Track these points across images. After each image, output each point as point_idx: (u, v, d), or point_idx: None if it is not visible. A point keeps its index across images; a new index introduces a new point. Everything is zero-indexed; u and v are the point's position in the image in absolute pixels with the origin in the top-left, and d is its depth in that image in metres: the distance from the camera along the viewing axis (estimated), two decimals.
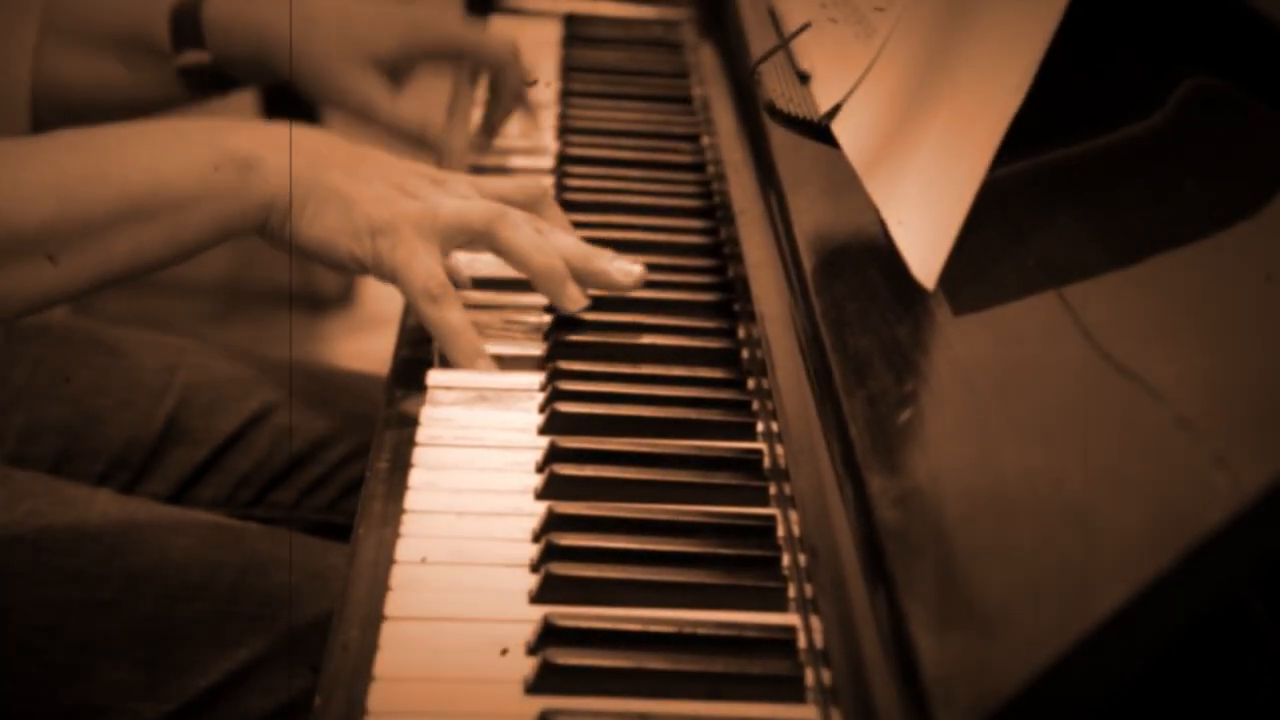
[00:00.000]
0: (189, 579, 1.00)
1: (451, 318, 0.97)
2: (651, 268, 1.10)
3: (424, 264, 0.96)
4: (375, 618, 0.76)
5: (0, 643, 0.97)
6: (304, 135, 0.98)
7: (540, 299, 1.05)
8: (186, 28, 1.20)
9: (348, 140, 1.00)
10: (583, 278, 1.01)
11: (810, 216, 0.98)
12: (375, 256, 0.96)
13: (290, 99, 1.22)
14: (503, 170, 1.27)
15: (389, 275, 0.97)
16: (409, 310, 1.05)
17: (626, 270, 1.01)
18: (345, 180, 0.96)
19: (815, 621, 0.76)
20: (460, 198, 0.99)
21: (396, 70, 1.23)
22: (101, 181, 0.91)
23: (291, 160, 0.94)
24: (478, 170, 1.24)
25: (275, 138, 0.96)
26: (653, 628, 0.76)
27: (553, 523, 0.83)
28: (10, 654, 0.97)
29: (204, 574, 1.00)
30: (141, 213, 0.92)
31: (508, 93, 1.25)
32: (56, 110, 1.19)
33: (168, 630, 0.98)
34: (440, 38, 1.24)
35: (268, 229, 0.96)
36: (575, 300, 1.01)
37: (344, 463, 1.24)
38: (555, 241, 1.00)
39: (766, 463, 0.89)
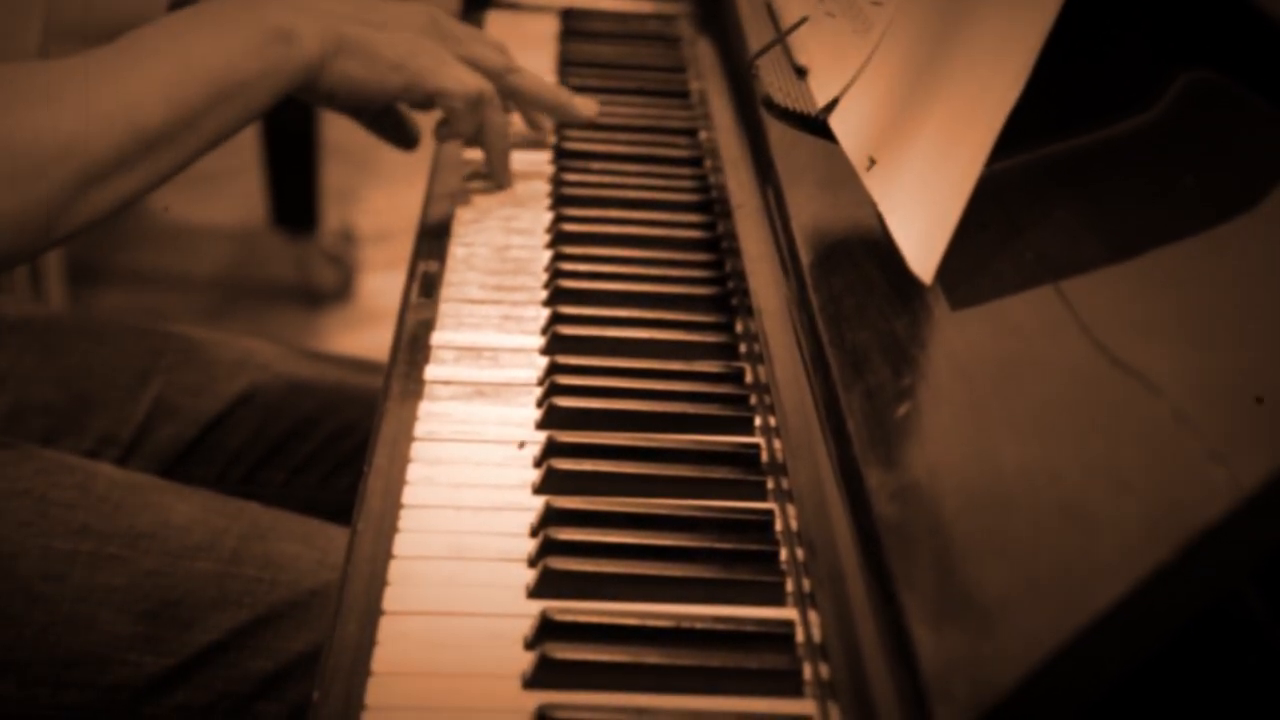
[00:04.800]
0: (191, 540, 1.01)
1: (499, 120, 1.16)
2: (649, 262, 1.10)
3: (456, 73, 1.12)
4: (373, 613, 0.77)
5: (6, 588, 0.98)
6: None
7: (539, 294, 1.06)
8: None
9: None
10: (552, 113, 1.24)
11: (808, 211, 0.98)
12: (406, 85, 1.11)
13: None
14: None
15: (425, 96, 1.12)
16: (406, 305, 1.06)
17: (584, 103, 1.24)
18: (361, 30, 1.09)
19: (813, 616, 0.76)
20: (457, 57, 1.13)
21: None
22: (194, 77, 1.00)
23: (318, 22, 1.06)
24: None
25: (300, 2, 1.07)
26: (650, 622, 0.76)
27: (550, 517, 0.83)
28: (16, 600, 0.98)
29: (206, 536, 1.01)
30: (224, 97, 1.02)
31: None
32: None
33: (170, 586, 0.99)
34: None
35: (305, 88, 1.07)
36: (509, 176, 1.20)
37: (333, 439, 1.25)
38: (523, 82, 1.20)
39: (764, 457, 0.89)
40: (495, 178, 1.19)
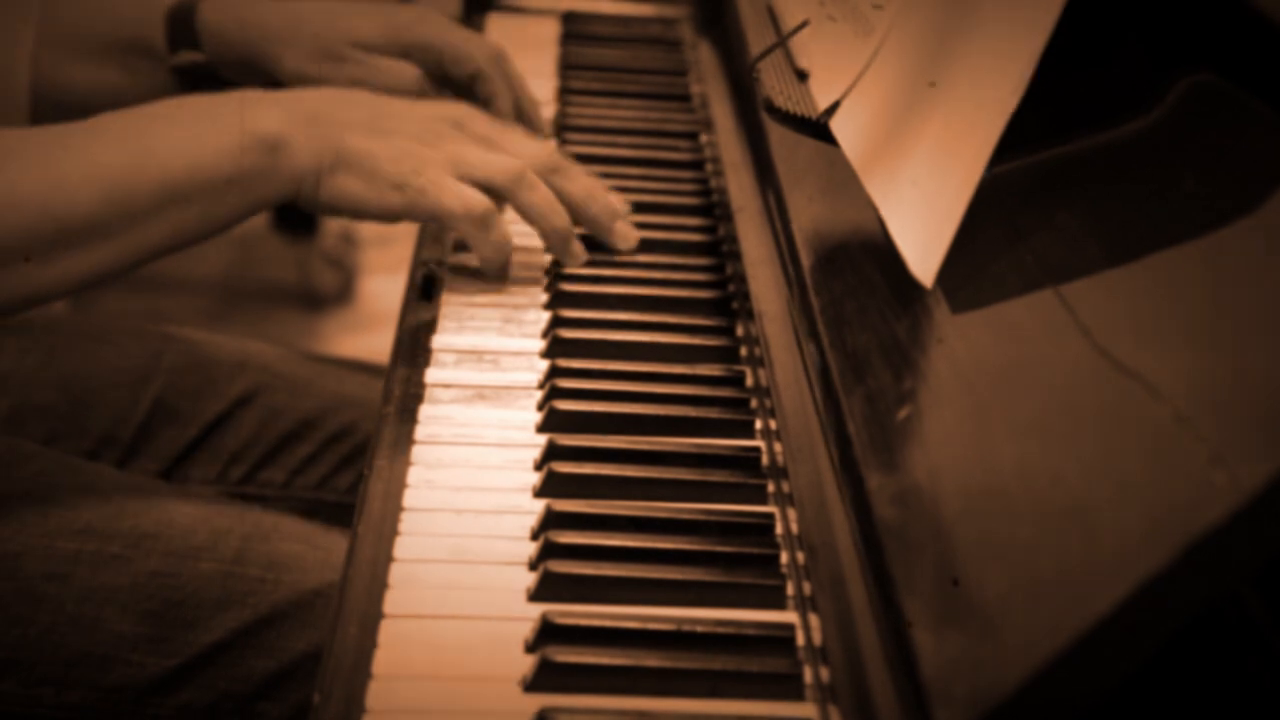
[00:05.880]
0: (194, 540, 1.01)
1: (497, 238, 1.04)
2: (650, 266, 1.10)
3: (459, 192, 1.02)
4: (374, 616, 0.77)
5: (10, 589, 0.98)
6: (324, 100, 1.04)
7: (540, 297, 1.06)
8: (181, 30, 1.20)
9: (367, 94, 1.07)
10: (584, 222, 1.09)
11: (808, 214, 0.98)
12: (408, 205, 1.02)
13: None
14: None
15: (428, 216, 1.04)
16: (407, 308, 1.06)
17: (625, 234, 1.10)
18: (367, 140, 1.02)
19: (814, 619, 0.76)
20: (482, 147, 1.05)
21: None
22: (142, 171, 0.95)
23: (315, 132, 1.00)
24: None
25: (298, 110, 1.01)
26: (651, 625, 0.76)
27: (551, 520, 0.83)
28: (20, 600, 0.98)
29: (209, 537, 1.01)
30: (179, 198, 0.96)
31: (497, 104, 1.22)
32: (54, 113, 1.19)
33: (172, 586, 0.99)
34: (419, 37, 1.23)
35: (299, 198, 1.01)
36: (577, 257, 1.08)
37: (332, 441, 1.25)
38: (565, 185, 1.07)
39: (765, 460, 0.89)
40: (560, 259, 1.09)
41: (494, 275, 1.07)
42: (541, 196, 1.05)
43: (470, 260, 1.08)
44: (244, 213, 1.00)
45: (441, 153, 1.03)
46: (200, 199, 0.97)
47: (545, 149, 1.09)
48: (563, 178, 1.07)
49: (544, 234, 1.07)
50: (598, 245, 1.11)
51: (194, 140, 0.98)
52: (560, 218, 1.06)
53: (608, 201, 1.10)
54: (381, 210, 1.03)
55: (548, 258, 1.11)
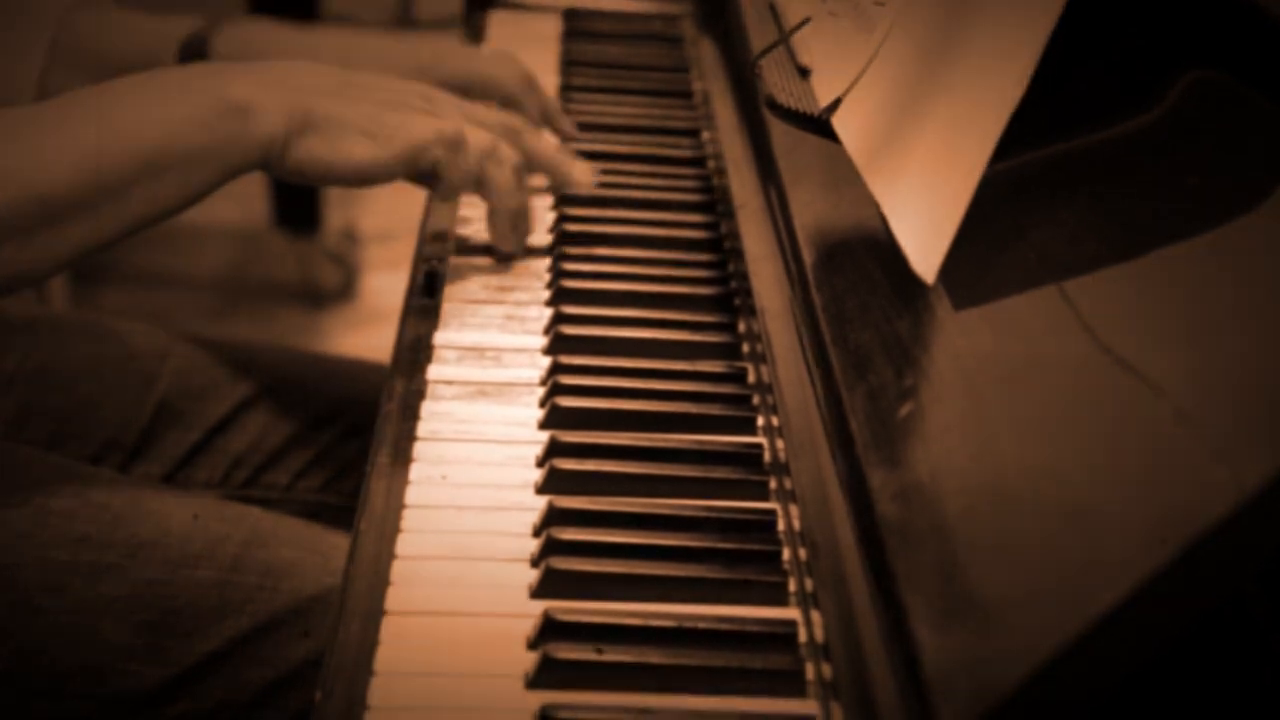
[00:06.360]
0: (191, 548, 1.00)
1: (469, 162, 1.05)
2: (651, 262, 1.10)
3: (426, 121, 1.03)
4: (376, 613, 0.77)
5: (6, 601, 0.97)
6: (293, 68, 1.03)
7: (542, 293, 1.06)
8: (194, 59, 1.20)
9: (335, 67, 1.06)
10: (552, 171, 1.13)
11: (810, 211, 0.98)
12: (377, 152, 1.02)
13: None
14: None
15: (400, 156, 1.02)
16: (409, 305, 1.06)
17: (584, 170, 1.14)
18: (335, 104, 1.01)
19: (816, 616, 0.76)
20: (450, 115, 1.06)
21: None
22: (117, 144, 0.94)
23: (284, 97, 1.00)
24: None
25: (267, 77, 1.01)
26: (653, 622, 0.76)
27: (553, 517, 0.83)
28: (16, 612, 0.97)
29: (206, 544, 1.01)
30: (155, 169, 0.96)
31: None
32: None
33: (169, 595, 0.99)
34: (445, 73, 1.23)
35: (269, 164, 1.01)
36: (517, 246, 1.11)
37: (336, 444, 1.25)
38: (535, 143, 1.11)
39: (767, 457, 0.89)
40: (497, 241, 1.11)
41: (501, 232, 1.09)
42: (505, 177, 1.07)
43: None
44: (219, 180, 0.99)
45: (408, 114, 1.04)
46: (175, 169, 0.96)
47: (510, 115, 1.11)
48: (532, 137, 1.11)
49: (493, 212, 1.08)
50: (598, 244, 1.12)
51: (168, 111, 0.97)
52: (513, 200, 1.08)
53: (571, 154, 1.15)
54: (348, 166, 1.02)
55: (549, 255, 1.11)
